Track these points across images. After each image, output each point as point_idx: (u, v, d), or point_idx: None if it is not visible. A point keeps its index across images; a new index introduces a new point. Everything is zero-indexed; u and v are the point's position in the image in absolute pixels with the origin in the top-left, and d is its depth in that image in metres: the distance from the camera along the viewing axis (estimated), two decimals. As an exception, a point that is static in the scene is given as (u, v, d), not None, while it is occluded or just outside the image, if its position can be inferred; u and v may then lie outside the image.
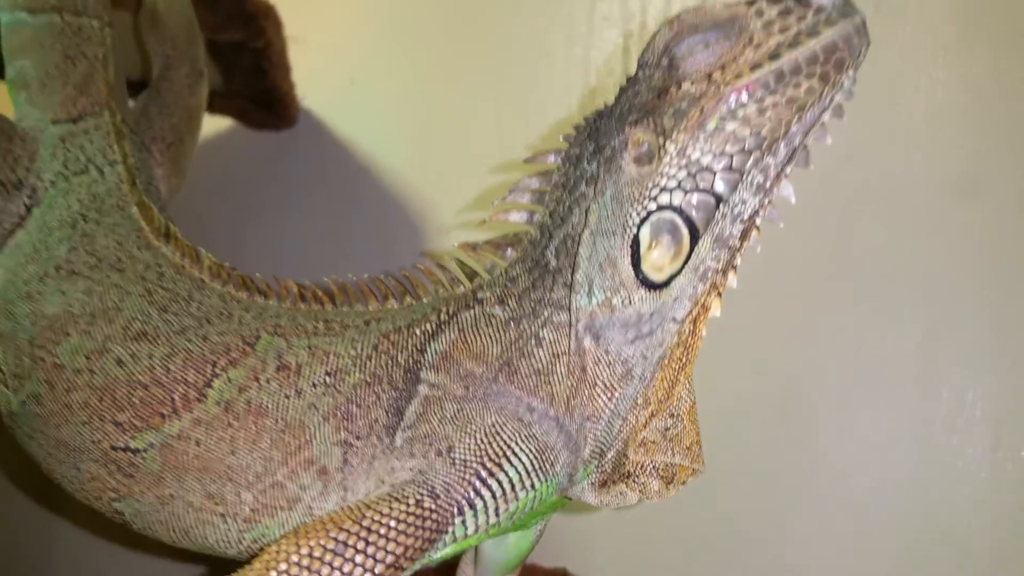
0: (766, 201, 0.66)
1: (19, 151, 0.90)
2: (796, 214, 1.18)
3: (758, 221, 0.67)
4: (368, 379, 0.70)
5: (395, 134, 1.59)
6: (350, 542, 0.59)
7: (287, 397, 0.71)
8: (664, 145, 0.63)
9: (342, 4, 1.60)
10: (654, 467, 0.70)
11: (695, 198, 0.63)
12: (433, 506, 0.63)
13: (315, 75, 1.60)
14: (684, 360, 0.69)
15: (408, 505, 0.62)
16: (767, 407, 1.25)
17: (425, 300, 0.76)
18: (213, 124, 1.68)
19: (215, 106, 1.57)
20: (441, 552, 0.66)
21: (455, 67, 1.53)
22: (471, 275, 0.76)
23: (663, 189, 0.63)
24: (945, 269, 1.18)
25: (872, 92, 1.21)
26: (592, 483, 0.69)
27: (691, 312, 0.67)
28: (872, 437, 1.20)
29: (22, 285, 0.82)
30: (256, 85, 1.46)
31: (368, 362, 0.71)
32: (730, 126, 0.62)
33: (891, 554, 1.18)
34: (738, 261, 0.67)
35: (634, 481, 0.69)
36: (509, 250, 0.75)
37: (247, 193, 1.73)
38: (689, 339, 0.68)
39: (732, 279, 0.68)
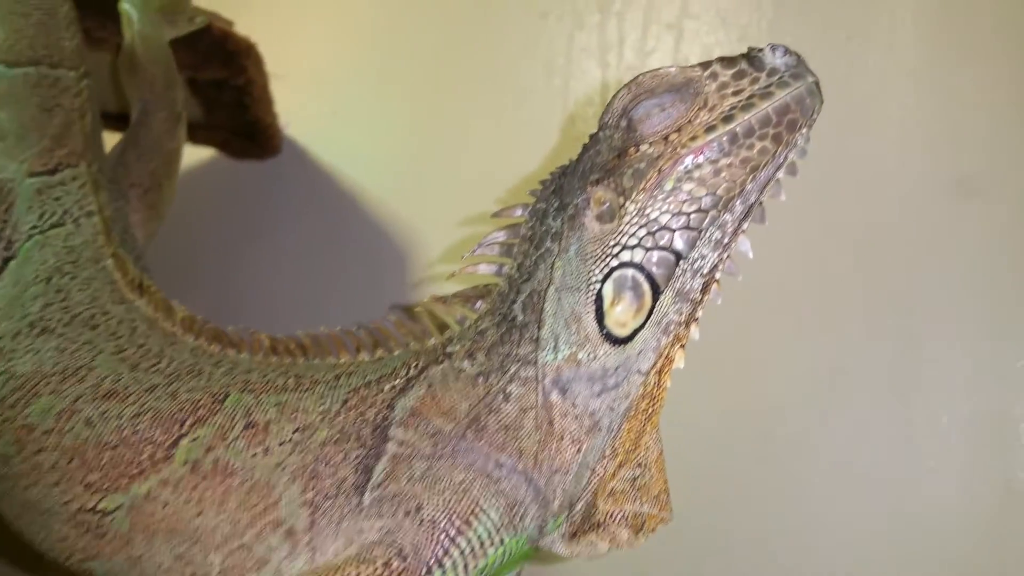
0: (725, 256, 0.67)
1: None
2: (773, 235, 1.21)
3: (718, 275, 0.68)
4: (337, 436, 0.71)
5: (377, 164, 1.60)
6: None
7: (254, 456, 0.71)
8: (624, 205, 0.65)
9: (325, 40, 1.62)
10: (623, 516, 0.71)
11: (655, 255, 0.64)
12: (401, 567, 0.63)
13: (298, 106, 1.62)
14: (650, 411, 0.70)
15: (376, 567, 0.63)
16: (747, 430, 1.26)
17: (396, 353, 0.77)
18: (197, 154, 1.69)
19: (197, 137, 1.59)
20: None
21: (435, 99, 1.55)
22: (442, 327, 0.77)
23: (624, 247, 0.65)
24: (922, 288, 1.20)
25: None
26: (562, 534, 0.70)
27: (655, 364, 0.68)
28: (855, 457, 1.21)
29: None
30: (238, 118, 1.47)
31: (337, 418, 0.72)
32: (687, 186, 0.64)
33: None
34: (699, 314, 0.68)
35: (604, 531, 0.70)
36: (479, 302, 0.76)
37: (232, 221, 1.74)
38: (654, 390, 0.69)
39: (695, 331, 0.69)
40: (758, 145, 0.64)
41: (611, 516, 0.70)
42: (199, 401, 0.74)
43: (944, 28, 1.24)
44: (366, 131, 1.61)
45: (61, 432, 0.75)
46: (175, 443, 0.73)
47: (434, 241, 1.50)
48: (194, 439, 0.73)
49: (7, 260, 0.89)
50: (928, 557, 1.15)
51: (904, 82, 1.25)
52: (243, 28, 1.47)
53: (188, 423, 0.73)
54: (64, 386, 0.77)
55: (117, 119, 1.23)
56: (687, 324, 0.68)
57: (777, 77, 0.64)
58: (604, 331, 0.66)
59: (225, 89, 1.38)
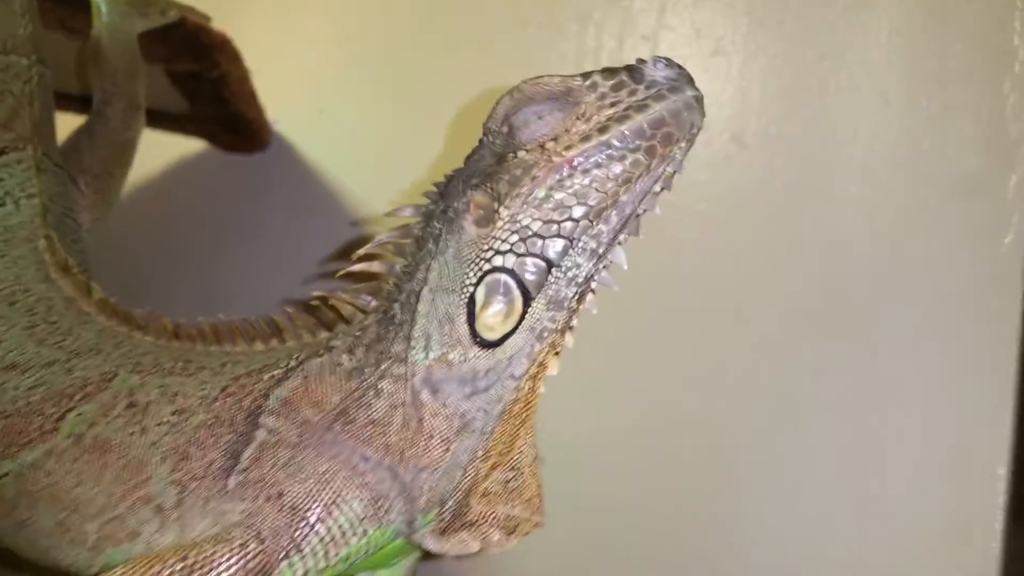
0: (600, 266, 0.68)
1: None
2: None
3: (593, 285, 0.69)
4: (211, 421, 0.73)
5: (364, 159, 1.63)
6: None
7: (131, 434, 0.73)
8: (498, 210, 0.66)
9: (313, 38, 1.64)
10: (495, 518, 0.72)
11: (527, 262, 0.65)
12: (258, 549, 0.65)
13: (287, 102, 1.64)
14: (524, 415, 0.71)
15: (232, 547, 0.64)
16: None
17: (288, 344, 0.79)
18: (188, 145, 1.73)
19: (187, 128, 1.62)
20: None
21: (419, 101, 1.56)
22: (336, 323, 0.79)
23: (497, 252, 0.66)
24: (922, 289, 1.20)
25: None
26: (433, 531, 0.71)
27: (529, 370, 0.69)
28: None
29: None
30: (220, 111, 1.50)
31: (214, 404, 0.74)
32: (558, 195, 0.65)
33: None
34: (575, 322, 0.69)
35: (476, 530, 0.71)
36: (371, 299, 0.77)
37: (221, 213, 1.77)
38: (529, 395, 0.70)
39: (569, 339, 0.70)
40: (631, 157, 0.64)
41: (483, 516, 0.71)
42: (89, 379, 0.77)
43: (919, 45, 1.23)
44: (352, 129, 1.64)
45: None
46: (62, 417, 0.75)
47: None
48: (79, 414, 0.75)
49: None
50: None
51: (876, 102, 1.24)
52: (232, 26, 1.50)
53: (76, 398, 0.76)
54: None
55: (79, 100, 1.26)
56: (562, 332, 0.69)
57: (655, 90, 0.65)
58: (475, 334, 0.67)
59: (201, 81, 1.41)
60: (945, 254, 1.18)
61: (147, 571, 0.62)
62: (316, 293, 0.80)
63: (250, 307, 1.67)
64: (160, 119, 1.51)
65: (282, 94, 1.64)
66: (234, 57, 1.41)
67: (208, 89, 1.43)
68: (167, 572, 0.62)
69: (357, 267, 0.77)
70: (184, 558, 0.63)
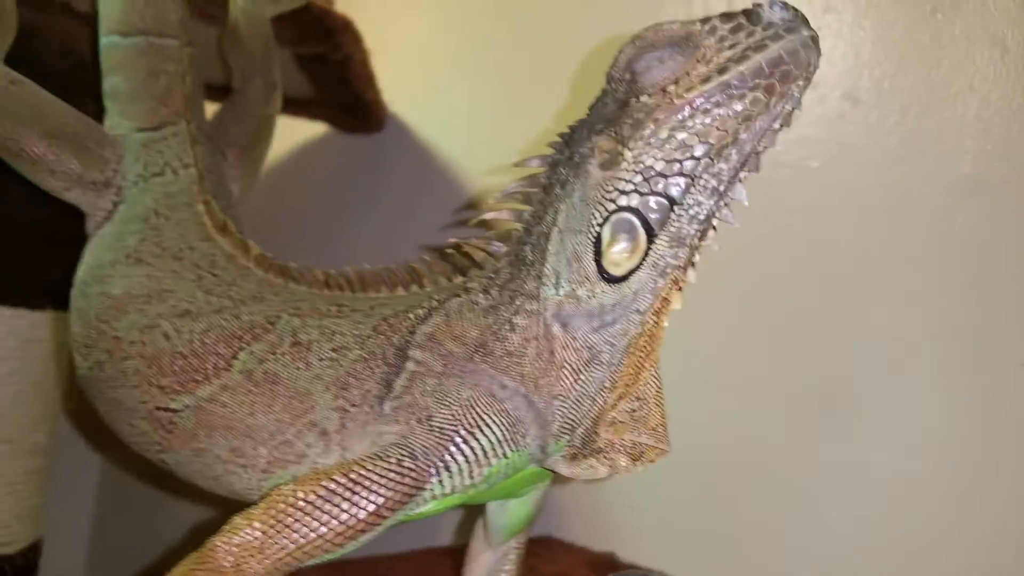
0: (721, 203, 0.71)
1: (108, 155, 1.04)
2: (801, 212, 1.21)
3: (714, 222, 0.72)
4: (366, 355, 0.79)
5: (477, 135, 1.68)
6: (339, 491, 0.69)
7: (298, 369, 0.81)
8: (622, 152, 0.70)
9: (423, 19, 1.72)
10: (622, 445, 0.76)
11: (651, 201, 0.69)
12: (412, 465, 0.71)
13: (401, 83, 1.71)
14: (649, 348, 0.75)
15: (389, 463, 0.71)
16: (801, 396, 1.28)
17: (428, 288, 0.85)
18: (312, 129, 1.83)
19: (309, 113, 1.72)
20: (424, 507, 0.74)
21: (528, 72, 1.61)
22: (469, 268, 0.85)
23: (621, 192, 0.70)
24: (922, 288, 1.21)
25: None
26: (564, 456, 0.76)
27: (653, 304, 0.73)
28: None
29: (97, 270, 0.97)
30: (343, 93, 1.59)
31: (367, 341, 0.80)
32: (680, 135, 0.68)
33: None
34: (697, 258, 0.73)
35: (604, 456, 0.76)
36: (500, 245, 0.83)
37: (343, 191, 1.86)
38: (653, 329, 0.74)
39: (692, 275, 0.73)
40: (750, 95, 0.67)
41: (611, 444, 0.76)
42: (256, 322, 0.85)
43: None
44: (463, 105, 1.70)
45: (143, 343, 0.87)
46: (235, 355, 0.83)
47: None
48: (250, 352, 0.83)
49: (117, 204, 1.02)
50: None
51: (992, 52, 1.23)
52: (346, 8, 1.58)
53: (246, 339, 0.84)
54: (148, 306, 0.89)
55: (221, 90, 1.36)
56: (684, 268, 0.73)
57: (772, 31, 0.68)
58: (602, 271, 0.71)
59: (326, 64, 1.50)
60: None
61: (316, 485, 0.69)
62: (451, 240, 0.86)
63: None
64: (287, 104, 1.60)
65: (396, 74, 1.70)
66: (356, 39, 1.50)
67: (332, 71, 1.51)
68: (333, 485, 0.69)
69: (488, 215, 0.83)
70: (348, 473, 0.70)
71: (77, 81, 1.34)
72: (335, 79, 1.54)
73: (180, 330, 0.86)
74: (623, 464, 0.75)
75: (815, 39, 0.69)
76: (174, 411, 0.85)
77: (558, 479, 0.82)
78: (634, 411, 0.76)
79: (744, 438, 1.27)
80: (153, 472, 0.96)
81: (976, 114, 1.23)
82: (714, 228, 0.72)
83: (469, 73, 1.68)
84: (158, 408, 0.85)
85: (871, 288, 1.26)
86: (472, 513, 1.02)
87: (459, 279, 0.84)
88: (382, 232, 1.80)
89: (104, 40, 1.10)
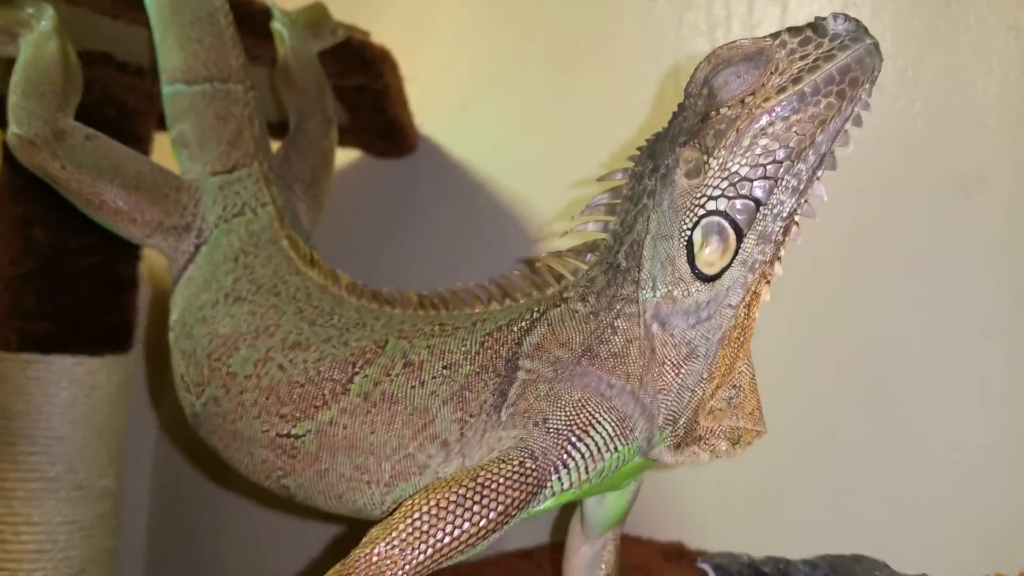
0: (802, 201, 0.76)
1: (186, 200, 1.08)
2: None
3: (797, 218, 0.77)
4: (477, 369, 0.85)
5: (505, 154, 1.74)
6: (468, 495, 0.74)
7: (413, 387, 0.86)
8: (708, 161, 0.75)
9: (449, 39, 1.77)
10: (722, 431, 0.81)
11: (738, 203, 0.75)
12: (533, 466, 0.76)
13: (429, 104, 1.77)
14: (742, 340, 0.80)
15: (513, 465, 0.76)
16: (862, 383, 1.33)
17: (521, 301, 0.90)
18: (344, 156, 1.87)
19: (344, 140, 1.76)
20: (544, 504, 0.79)
21: (554, 86, 1.67)
22: (559, 278, 0.90)
23: (710, 197, 0.75)
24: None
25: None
26: (668, 446, 0.81)
27: (744, 298, 0.78)
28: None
29: (197, 311, 1.01)
30: (378, 120, 1.64)
31: (477, 356, 0.86)
32: (762, 141, 0.74)
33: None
34: (782, 253, 0.78)
35: (705, 443, 0.81)
36: (589, 255, 0.88)
37: (377, 215, 1.91)
38: (744, 321, 0.79)
39: (779, 268, 0.78)
40: (824, 101, 0.73)
41: (710, 431, 0.81)
42: (366, 347, 0.90)
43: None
44: (492, 122, 1.75)
45: (259, 376, 0.93)
46: (350, 380, 0.89)
47: (561, 224, 1.62)
48: (365, 376, 0.88)
49: (199, 246, 1.07)
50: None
51: (1007, 36, 1.28)
52: (375, 36, 1.63)
53: (359, 364, 0.89)
54: (258, 341, 0.95)
55: (277, 128, 1.41)
56: (771, 262, 0.78)
57: (839, 41, 0.73)
58: (695, 271, 0.77)
59: (366, 93, 1.55)
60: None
61: (447, 491, 0.74)
62: (544, 255, 0.91)
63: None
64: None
65: (425, 96, 1.75)
66: (393, 67, 1.55)
67: (370, 100, 1.57)
68: (464, 490, 0.74)
69: (576, 225, 0.88)
70: (475, 477, 0.75)
71: (122, 126, 1.40)
72: (372, 107, 1.59)
73: (294, 361, 0.92)
74: (723, 448, 0.81)
75: (877, 46, 0.74)
76: (296, 436, 0.90)
77: (656, 467, 0.87)
78: (731, 399, 0.81)
79: (800, 422, 1.32)
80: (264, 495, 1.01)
81: (997, 93, 1.28)
82: (796, 224, 0.78)
83: (495, 93, 1.74)
84: (279, 435, 0.91)
85: (911, 270, 1.31)
86: (563, 512, 1.07)
87: (552, 290, 0.89)
88: (418, 251, 1.85)
89: (168, 89, 1.14)
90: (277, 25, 1.33)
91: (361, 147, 1.80)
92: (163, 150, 1.44)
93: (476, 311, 0.92)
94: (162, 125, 1.37)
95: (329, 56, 1.41)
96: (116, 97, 1.43)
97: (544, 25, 1.69)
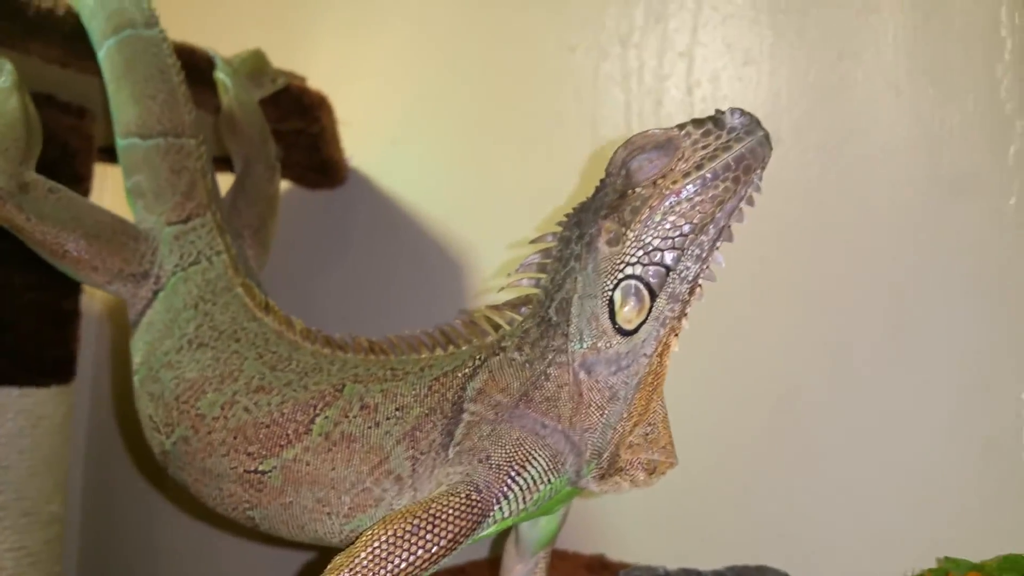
0: (704, 267, 0.89)
1: (144, 248, 1.15)
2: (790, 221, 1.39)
3: (700, 281, 0.90)
4: (427, 411, 0.95)
5: (433, 187, 1.83)
6: (422, 525, 0.84)
7: (369, 428, 0.96)
8: (626, 233, 0.87)
9: (379, 81, 1.86)
10: (640, 462, 0.93)
11: (651, 269, 0.87)
12: (478, 497, 0.87)
13: (361, 138, 1.85)
14: (656, 383, 0.92)
15: (460, 498, 0.86)
16: (766, 405, 1.47)
17: (463, 349, 1.01)
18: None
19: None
20: (487, 531, 0.90)
21: (479, 127, 1.78)
22: (496, 327, 1.01)
23: (628, 263, 0.87)
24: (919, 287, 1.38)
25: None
26: (594, 477, 0.93)
27: (657, 349, 0.90)
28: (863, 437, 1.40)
29: (162, 356, 1.08)
30: (312, 158, 1.72)
31: (425, 399, 0.96)
32: (671, 218, 0.86)
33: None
34: (688, 310, 0.90)
35: (625, 473, 0.93)
36: (523, 308, 1.00)
37: (305, 245, 1.98)
38: (658, 368, 0.91)
39: (685, 323, 0.91)
40: (722, 185, 0.86)
41: (630, 463, 0.93)
42: (324, 391, 0.99)
43: (921, 41, 1.41)
44: (420, 159, 1.85)
45: (227, 418, 1.01)
46: (312, 421, 0.98)
47: (483, 256, 1.73)
48: (325, 417, 0.98)
49: (156, 292, 1.14)
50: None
51: (889, 93, 1.43)
52: (307, 73, 1.71)
53: (319, 407, 0.99)
54: (223, 385, 1.03)
55: (221, 162, 1.48)
56: (679, 318, 0.90)
57: (735, 134, 0.86)
58: (616, 326, 0.89)
59: (303, 136, 1.63)
60: (955, 228, 1.37)
61: (403, 522, 0.83)
62: (483, 307, 1.02)
63: (337, 326, 1.92)
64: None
65: (356, 131, 1.83)
66: (329, 111, 1.64)
67: (306, 141, 1.65)
68: (417, 520, 0.84)
69: (512, 281, 0.99)
70: (427, 508, 0.85)
71: (65, 166, 1.46)
72: (308, 147, 1.67)
73: (259, 403, 1.00)
74: (642, 478, 0.93)
75: (768, 137, 0.87)
76: (263, 472, 0.98)
77: (584, 495, 0.99)
78: (647, 434, 0.93)
79: (716, 438, 1.45)
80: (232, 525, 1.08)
81: (882, 145, 1.44)
82: (700, 286, 0.90)
83: (424, 132, 1.83)
84: (247, 471, 0.99)
85: (797, 312, 1.46)
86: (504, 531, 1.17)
87: (491, 338, 1.00)
88: (348, 278, 1.93)
89: (123, 142, 1.20)
90: (220, 75, 1.40)
91: (293, 179, 1.86)
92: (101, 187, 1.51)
93: (423, 356, 1.02)
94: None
95: (269, 102, 1.48)
96: (58, 137, 1.47)
97: (470, 69, 1.79)
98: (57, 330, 1.54)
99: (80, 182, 1.51)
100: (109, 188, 1.84)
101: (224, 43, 1.51)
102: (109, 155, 1.57)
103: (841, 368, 1.42)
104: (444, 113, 1.81)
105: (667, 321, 0.89)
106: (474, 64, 1.79)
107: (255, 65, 1.47)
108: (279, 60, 1.60)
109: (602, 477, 0.93)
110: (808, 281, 1.48)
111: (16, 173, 1.10)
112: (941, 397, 1.35)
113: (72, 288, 1.55)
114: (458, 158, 1.79)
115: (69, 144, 1.51)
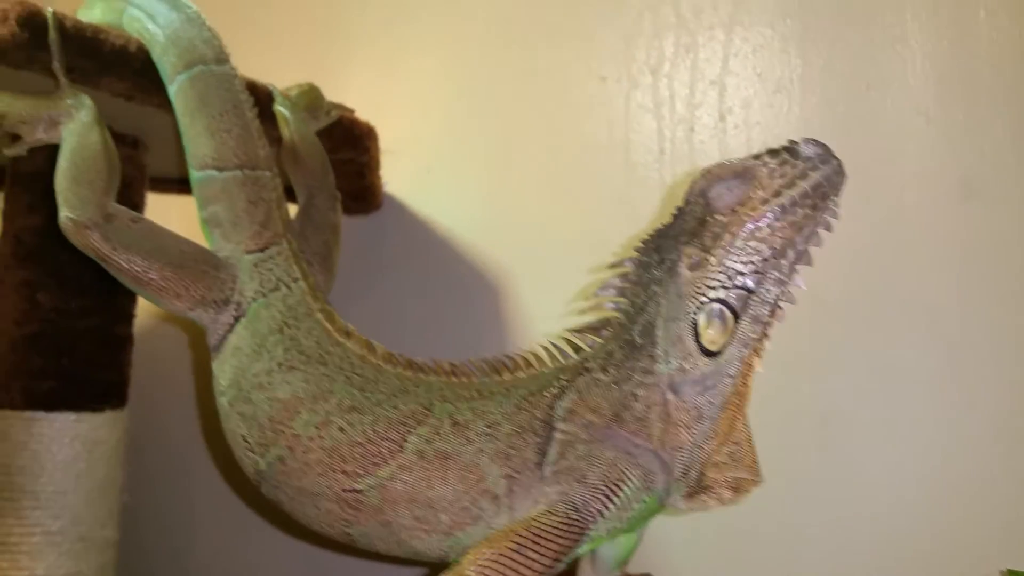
0: (785, 289, 0.95)
1: (224, 276, 1.18)
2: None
3: (781, 303, 0.95)
4: (517, 430, 0.99)
5: (466, 212, 1.87)
6: (525, 544, 0.89)
7: (462, 445, 1.00)
8: (708, 258, 0.93)
9: (415, 107, 1.90)
10: (725, 481, 0.98)
11: (734, 293, 0.92)
12: (577, 516, 0.92)
13: (395, 165, 1.89)
14: (740, 403, 0.98)
15: (561, 517, 0.91)
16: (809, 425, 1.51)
17: (546, 371, 1.06)
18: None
19: (318, 200, 1.88)
20: (583, 548, 0.94)
21: (512, 154, 1.82)
22: (577, 350, 1.06)
23: (710, 287, 0.93)
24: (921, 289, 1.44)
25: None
26: (682, 495, 0.98)
27: (740, 369, 0.95)
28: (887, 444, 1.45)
29: (253, 378, 1.11)
30: (356, 185, 1.76)
31: (515, 417, 1.00)
32: (751, 243, 0.92)
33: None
34: (771, 331, 0.96)
35: (712, 492, 0.98)
36: (604, 331, 1.05)
37: (342, 268, 2.02)
38: (742, 388, 0.97)
39: (767, 343, 0.96)
40: (800, 212, 0.92)
41: (716, 481, 0.98)
42: (415, 410, 1.03)
43: (949, 68, 1.48)
44: (454, 185, 1.88)
45: (322, 438, 1.04)
46: (404, 439, 1.02)
47: (517, 280, 1.78)
48: (418, 435, 1.01)
49: (238, 318, 1.17)
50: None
51: (919, 120, 1.48)
52: (337, 93, 1.74)
53: (410, 425, 1.02)
54: (316, 405, 1.06)
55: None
56: (762, 339, 0.96)
57: (811, 163, 0.92)
58: (701, 348, 0.94)
59: (351, 165, 1.68)
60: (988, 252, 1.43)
61: (506, 541, 0.88)
62: (565, 330, 1.07)
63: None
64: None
65: (390, 156, 1.87)
66: (376, 141, 1.69)
67: (353, 169, 1.69)
68: (520, 539, 0.88)
69: (594, 303, 1.04)
70: (529, 528, 0.89)
71: (121, 194, 1.49)
72: (354, 175, 1.71)
73: (352, 423, 1.04)
74: (727, 496, 0.98)
75: (841, 165, 0.93)
76: (360, 491, 1.02)
77: (670, 513, 1.04)
78: (732, 453, 0.98)
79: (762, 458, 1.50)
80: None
81: (914, 172, 1.49)
82: (780, 308, 0.96)
83: (457, 160, 1.88)
84: (344, 490, 1.03)
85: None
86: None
87: (572, 360, 1.05)
88: (384, 301, 1.97)
89: (199, 174, 1.24)
90: (280, 108, 1.44)
91: (332, 206, 1.90)
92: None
93: (504, 378, 1.07)
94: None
95: (324, 135, 1.53)
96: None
97: (502, 99, 1.83)
98: (111, 355, 1.57)
99: (135, 210, 1.54)
100: (157, 216, 1.87)
101: (262, 77, 1.55)
102: (156, 184, 1.63)
103: (884, 385, 1.47)
104: (477, 141, 1.86)
105: (750, 342, 0.94)
106: (506, 94, 1.83)
107: (312, 100, 1.51)
108: (304, 67, 1.64)
109: (690, 495, 0.98)
110: (841, 304, 1.51)
111: (101, 204, 1.14)
112: (990, 407, 1.39)
113: (125, 313, 1.58)
114: (492, 184, 1.84)
115: (125, 173, 1.54)
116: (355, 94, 1.87)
